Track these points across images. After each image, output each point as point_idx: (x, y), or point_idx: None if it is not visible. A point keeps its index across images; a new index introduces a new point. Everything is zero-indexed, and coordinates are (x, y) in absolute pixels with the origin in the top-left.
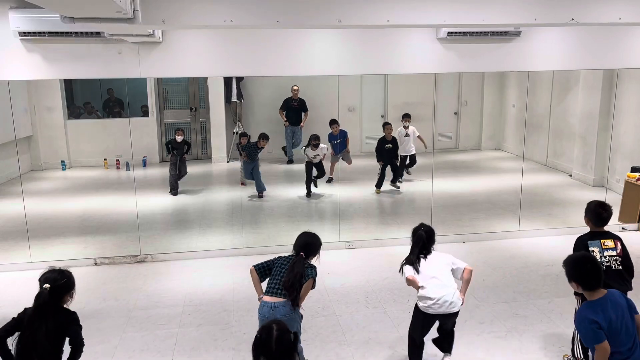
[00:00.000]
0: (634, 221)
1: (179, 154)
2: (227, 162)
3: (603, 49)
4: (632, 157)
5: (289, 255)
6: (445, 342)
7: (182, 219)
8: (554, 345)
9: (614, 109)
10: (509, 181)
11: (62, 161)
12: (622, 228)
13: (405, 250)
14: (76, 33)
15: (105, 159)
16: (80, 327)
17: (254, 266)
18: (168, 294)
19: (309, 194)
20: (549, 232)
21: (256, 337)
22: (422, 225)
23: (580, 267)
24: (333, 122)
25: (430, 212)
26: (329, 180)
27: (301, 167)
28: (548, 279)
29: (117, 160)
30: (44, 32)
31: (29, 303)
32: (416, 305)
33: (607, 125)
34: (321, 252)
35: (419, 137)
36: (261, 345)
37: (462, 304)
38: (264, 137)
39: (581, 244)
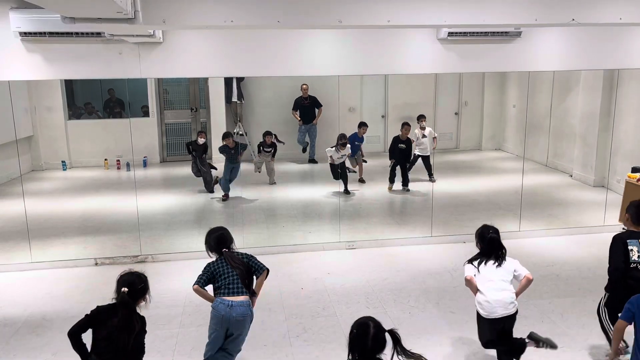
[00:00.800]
0: None
1: (197, 155)
2: None
3: (603, 50)
4: (633, 158)
5: (218, 258)
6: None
7: (182, 219)
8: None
9: (614, 109)
10: (509, 181)
11: (62, 161)
12: (623, 228)
13: (405, 250)
14: (77, 33)
15: (105, 159)
16: (146, 332)
17: (196, 283)
18: (168, 294)
19: (346, 190)
20: (549, 233)
21: (352, 331)
22: (488, 227)
23: None
24: (363, 124)
25: (431, 212)
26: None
27: (301, 168)
28: (548, 279)
29: (118, 160)
30: (44, 33)
31: (30, 303)
32: (477, 312)
33: (607, 126)
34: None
35: (434, 138)
36: (357, 341)
37: None
38: (225, 135)
39: (620, 241)
